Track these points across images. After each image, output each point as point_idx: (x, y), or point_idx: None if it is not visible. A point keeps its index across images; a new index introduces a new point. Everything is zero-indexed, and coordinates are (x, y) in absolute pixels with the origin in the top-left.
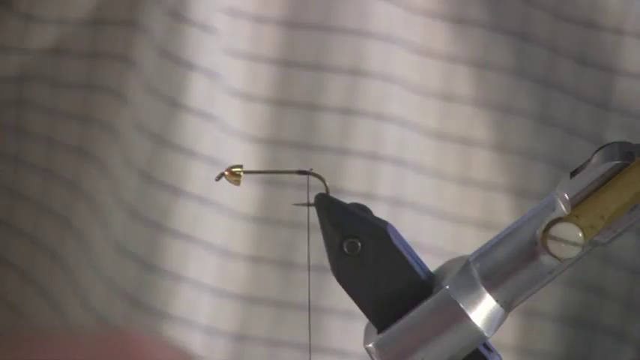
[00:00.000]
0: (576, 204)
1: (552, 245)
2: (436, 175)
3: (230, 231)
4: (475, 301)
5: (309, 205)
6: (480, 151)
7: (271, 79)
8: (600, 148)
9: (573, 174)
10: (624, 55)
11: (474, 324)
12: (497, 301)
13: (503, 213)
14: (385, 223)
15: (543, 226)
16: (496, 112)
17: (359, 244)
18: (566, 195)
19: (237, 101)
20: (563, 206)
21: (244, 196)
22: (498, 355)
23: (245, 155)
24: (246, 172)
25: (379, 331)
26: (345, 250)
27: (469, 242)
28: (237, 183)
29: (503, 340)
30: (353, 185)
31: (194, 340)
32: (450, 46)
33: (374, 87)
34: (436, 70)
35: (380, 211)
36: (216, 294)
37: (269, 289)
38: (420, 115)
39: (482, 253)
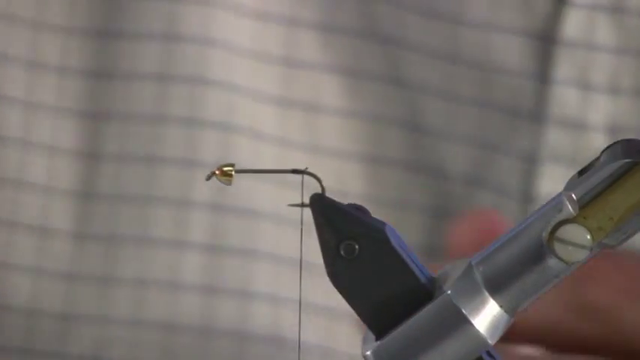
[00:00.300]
0: (584, 205)
1: (559, 248)
2: (279, 142)
3: (48, 208)
4: (478, 306)
5: (303, 205)
6: (329, 118)
7: (85, 50)
8: (609, 146)
9: (581, 173)
10: (469, 5)
11: (476, 330)
12: (501, 306)
13: (357, 181)
14: (383, 224)
15: (549, 228)
16: (344, 76)
17: (356, 247)
18: (573, 195)
19: (52, 75)
20: (570, 207)
21: (60, 171)
22: None
23: (59, 130)
24: (237, 172)
25: (377, 338)
26: (342, 252)
27: None
28: (229, 182)
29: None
30: (172, 152)
31: (15, 322)
32: (291, 9)
33: (191, 51)
34: (275, 35)
35: (202, 178)
36: (37, 274)
37: (92, 266)
38: (254, 81)
39: (486, 256)
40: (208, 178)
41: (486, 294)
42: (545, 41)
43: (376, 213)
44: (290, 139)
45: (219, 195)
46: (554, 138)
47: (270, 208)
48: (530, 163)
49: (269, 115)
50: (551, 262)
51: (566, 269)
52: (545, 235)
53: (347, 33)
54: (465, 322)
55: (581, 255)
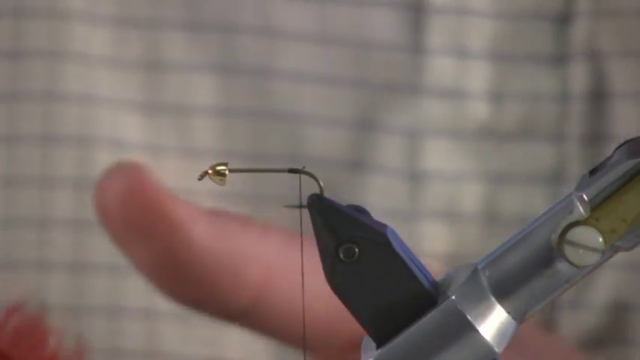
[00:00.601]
0: (596, 206)
1: (570, 251)
2: (147, 150)
3: None
4: (484, 312)
5: (301, 206)
6: (202, 119)
7: None
8: (622, 144)
9: (593, 172)
10: None
11: (482, 338)
12: (508, 312)
13: (240, 179)
14: (385, 226)
15: (560, 230)
16: (215, 74)
17: (356, 250)
18: (584, 196)
19: None
20: (581, 208)
21: None
22: None
23: None
24: (231, 171)
25: (378, 346)
26: (341, 256)
27: None
28: (223, 182)
29: None
30: (29, 171)
31: None
32: (150, 12)
33: (40, 66)
34: (136, 40)
35: (62, 195)
36: None
37: None
38: (116, 90)
39: (492, 260)
40: (201, 177)
41: (493, 299)
42: (415, 10)
43: (269, 207)
44: (160, 145)
45: (80, 211)
46: (435, 110)
47: None
48: (413, 138)
49: (135, 124)
50: (562, 266)
51: (577, 274)
52: (554, 237)
53: (212, 29)
54: (471, 329)
55: (592, 259)
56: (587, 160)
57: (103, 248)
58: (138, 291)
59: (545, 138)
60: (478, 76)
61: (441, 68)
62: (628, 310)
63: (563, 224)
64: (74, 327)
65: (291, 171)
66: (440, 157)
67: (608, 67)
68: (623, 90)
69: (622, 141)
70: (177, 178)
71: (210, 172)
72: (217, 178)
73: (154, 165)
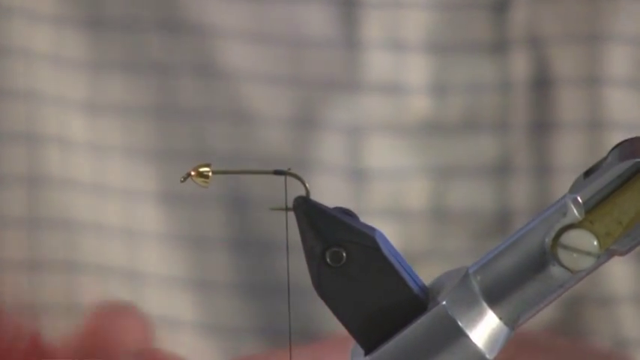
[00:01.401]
0: (591, 208)
1: (563, 255)
2: (92, 148)
3: None
4: (475, 318)
5: (287, 209)
6: (145, 118)
7: None
8: (617, 145)
9: (587, 174)
10: None
11: (474, 344)
12: (500, 318)
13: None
14: (373, 230)
15: (553, 234)
16: (156, 74)
17: (344, 254)
18: (579, 198)
19: None
20: (575, 211)
21: None
22: None
23: None
24: (215, 173)
25: (367, 353)
26: (328, 260)
27: (147, 218)
28: (206, 184)
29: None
30: None
31: None
32: (90, 10)
33: None
34: (78, 37)
35: (15, 195)
36: None
37: None
38: (59, 87)
39: (484, 264)
40: (184, 179)
41: (484, 305)
42: (350, 5)
43: (211, 207)
44: (105, 143)
45: (33, 209)
46: (375, 106)
47: (91, 219)
48: (354, 136)
49: (79, 121)
50: (555, 270)
51: (571, 278)
52: (548, 241)
53: (151, 28)
54: (462, 335)
55: (587, 263)
56: (534, 150)
57: (57, 246)
58: (92, 288)
59: (490, 129)
60: (417, 69)
61: (378, 63)
62: (583, 302)
63: (557, 227)
64: (30, 318)
65: (277, 172)
66: (383, 153)
67: (549, 53)
68: (567, 75)
69: (569, 128)
70: (122, 177)
71: (193, 173)
72: (200, 180)
73: (100, 164)
